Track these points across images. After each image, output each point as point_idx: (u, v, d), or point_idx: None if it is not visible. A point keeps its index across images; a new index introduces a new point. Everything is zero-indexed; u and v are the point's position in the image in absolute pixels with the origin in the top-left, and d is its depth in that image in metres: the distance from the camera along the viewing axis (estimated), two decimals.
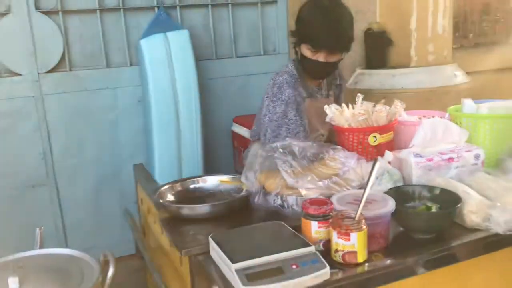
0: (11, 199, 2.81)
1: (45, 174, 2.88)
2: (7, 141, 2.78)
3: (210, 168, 3.17)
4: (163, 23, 3.01)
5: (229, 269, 0.99)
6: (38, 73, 2.79)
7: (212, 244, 1.11)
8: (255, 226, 1.19)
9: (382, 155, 1.47)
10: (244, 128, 3.18)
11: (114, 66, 3.10)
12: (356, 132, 1.48)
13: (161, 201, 1.40)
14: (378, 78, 2.82)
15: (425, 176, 1.37)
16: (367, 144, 1.48)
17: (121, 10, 3.03)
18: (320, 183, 1.30)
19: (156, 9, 3.09)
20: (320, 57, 1.87)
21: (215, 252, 1.09)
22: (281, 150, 1.39)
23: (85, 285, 1.14)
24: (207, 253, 1.17)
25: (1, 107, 2.74)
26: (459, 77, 2.85)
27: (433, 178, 1.34)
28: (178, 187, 1.51)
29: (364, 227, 1.06)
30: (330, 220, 1.11)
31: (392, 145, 1.54)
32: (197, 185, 1.53)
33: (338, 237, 1.06)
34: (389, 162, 1.42)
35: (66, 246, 2.80)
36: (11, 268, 1.14)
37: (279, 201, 1.30)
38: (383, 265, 1.09)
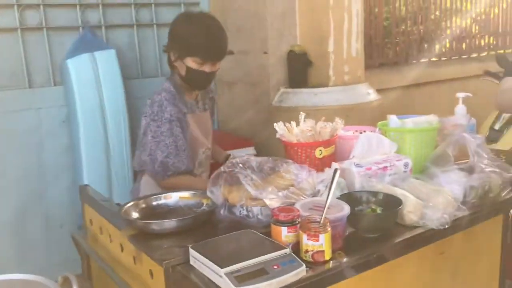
0: None
1: None
2: None
3: None
4: (89, 42, 3.01)
5: (218, 274, 1.09)
6: None
7: (194, 254, 1.20)
8: (230, 235, 1.30)
9: (326, 166, 1.66)
10: None
11: (37, 86, 3.03)
12: (305, 146, 1.65)
13: (128, 218, 1.45)
14: (301, 96, 3.05)
15: (366, 183, 1.57)
16: (314, 157, 1.65)
17: (44, 29, 2.98)
18: (280, 193, 1.44)
19: (80, 28, 3.07)
20: (206, 67, 2.03)
21: (198, 260, 1.18)
22: (241, 165, 1.51)
23: None
24: (184, 263, 1.25)
25: None
26: (372, 95, 3.17)
27: (374, 184, 1.54)
28: (142, 204, 1.56)
29: (329, 229, 1.22)
30: (299, 225, 1.25)
31: (334, 157, 1.73)
32: (159, 202, 1.59)
33: (308, 239, 1.20)
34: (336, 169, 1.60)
35: None
36: None
37: (244, 212, 1.42)
38: (346, 261, 1.25)
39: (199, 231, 1.43)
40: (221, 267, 1.09)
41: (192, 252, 1.21)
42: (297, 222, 1.26)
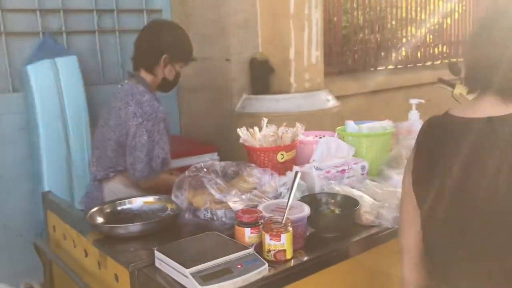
0: None
1: None
2: None
3: None
4: (49, 49, 2.98)
5: (183, 274, 1.13)
6: None
7: (159, 256, 1.23)
8: (195, 237, 1.34)
9: (288, 170, 1.72)
10: None
11: None
12: (267, 151, 1.71)
13: (94, 223, 1.46)
14: (264, 102, 3.11)
15: (326, 185, 1.63)
16: (276, 161, 1.71)
17: (3, 35, 2.93)
18: (244, 196, 1.49)
19: (41, 34, 3.04)
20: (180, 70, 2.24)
21: (164, 262, 1.21)
22: (205, 170, 1.56)
23: None
24: (149, 266, 1.28)
25: None
26: (331, 101, 3.27)
27: (333, 187, 1.61)
28: (106, 209, 1.57)
29: (290, 229, 1.27)
30: (261, 226, 1.30)
31: (295, 161, 1.80)
32: (124, 207, 1.61)
33: (270, 239, 1.25)
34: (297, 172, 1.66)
35: None
36: None
37: (209, 215, 1.46)
38: (306, 259, 1.31)
39: (164, 235, 1.45)
40: (186, 267, 1.13)
41: (157, 254, 1.24)
42: (260, 223, 1.31)
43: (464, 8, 5.59)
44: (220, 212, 1.45)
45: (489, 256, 1.03)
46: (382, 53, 4.75)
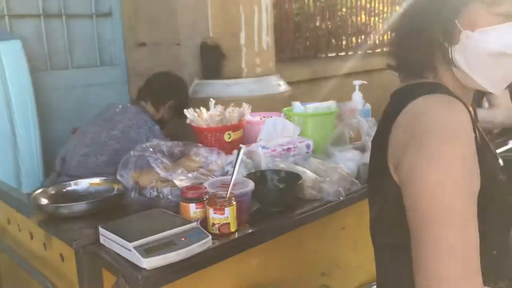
0: None
1: None
2: None
3: None
4: None
5: (127, 248, 1.14)
6: None
7: (104, 232, 1.24)
8: (139, 214, 1.35)
9: (235, 149, 1.74)
10: None
11: None
12: (214, 131, 1.73)
13: (38, 203, 1.45)
14: (215, 87, 3.12)
15: (271, 163, 1.68)
16: (223, 141, 1.74)
17: None
18: (190, 174, 1.51)
19: None
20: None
21: (108, 238, 1.22)
22: (151, 150, 1.57)
23: None
24: (94, 243, 1.29)
25: None
26: (282, 86, 3.31)
27: (278, 164, 1.66)
28: (51, 191, 1.56)
29: (234, 203, 1.31)
30: (206, 201, 1.32)
31: (243, 141, 1.83)
32: (69, 188, 1.60)
33: (214, 213, 1.28)
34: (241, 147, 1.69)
35: None
36: None
37: (155, 193, 1.47)
38: (249, 232, 1.35)
39: (109, 214, 1.45)
40: (130, 241, 1.14)
41: (101, 230, 1.25)
42: (204, 198, 1.34)
43: None
44: (166, 190, 1.46)
45: None
46: (333, 40, 4.84)
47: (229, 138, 1.75)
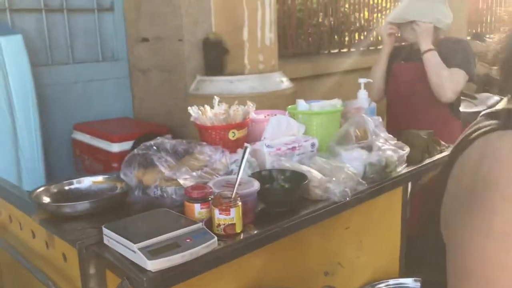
0: None
1: None
2: None
3: (51, 178, 3.09)
4: None
5: (131, 249, 1.12)
6: None
7: (107, 232, 1.22)
8: (144, 214, 1.33)
9: (239, 148, 1.73)
10: (88, 135, 3.18)
11: None
12: (218, 129, 1.71)
13: (40, 202, 1.43)
14: (218, 84, 3.10)
15: (276, 162, 1.66)
16: (228, 139, 1.72)
17: None
18: (194, 173, 1.49)
19: None
20: None
21: (112, 239, 1.20)
22: (155, 148, 1.54)
23: None
24: (98, 243, 1.27)
25: None
26: (285, 83, 3.29)
27: (283, 163, 1.63)
28: (53, 189, 1.54)
29: (239, 203, 1.29)
30: (211, 201, 1.30)
31: (247, 139, 1.80)
32: (72, 187, 1.58)
33: (220, 213, 1.26)
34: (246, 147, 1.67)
35: None
36: None
37: (159, 192, 1.45)
38: (255, 233, 1.33)
39: (113, 213, 1.43)
40: (134, 242, 1.12)
41: (105, 231, 1.23)
42: (209, 198, 1.32)
43: None
44: (170, 189, 1.44)
45: None
46: (336, 36, 4.81)
47: (233, 137, 1.73)
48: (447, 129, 2.45)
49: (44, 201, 1.47)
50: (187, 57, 3.14)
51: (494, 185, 0.66)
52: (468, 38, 5.75)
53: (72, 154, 3.36)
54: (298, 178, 1.52)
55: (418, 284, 1.90)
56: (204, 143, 1.66)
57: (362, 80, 2.18)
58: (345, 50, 4.87)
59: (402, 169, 1.82)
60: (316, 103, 1.94)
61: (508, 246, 0.64)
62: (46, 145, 3.03)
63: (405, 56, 2.61)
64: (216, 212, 1.27)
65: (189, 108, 1.76)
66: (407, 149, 1.82)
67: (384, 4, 5.43)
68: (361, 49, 5.02)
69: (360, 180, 1.60)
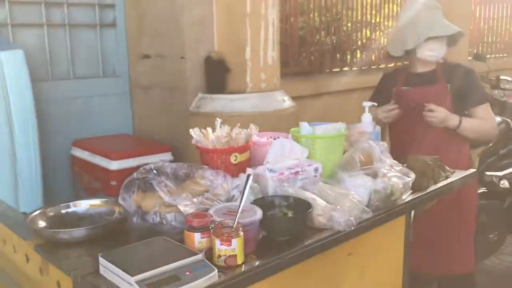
0: None
1: None
2: None
3: (49, 195, 3.03)
4: None
5: (129, 282, 1.08)
6: None
7: (104, 263, 1.17)
8: (142, 243, 1.29)
9: (241, 172, 1.69)
10: (86, 152, 3.14)
11: None
12: (220, 152, 1.67)
13: (35, 227, 1.39)
14: (219, 102, 3.07)
15: (279, 187, 1.62)
16: (229, 163, 1.68)
17: None
18: (195, 199, 1.45)
19: None
20: None
21: (108, 269, 1.16)
22: (155, 172, 1.50)
23: None
24: (94, 273, 1.22)
25: None
26: (287, 102, 3.26)
27: (286, 189, 1.59)
28: (49, 212, 1.50)
29: (241, 233, 1.25)
30: (212, 230, 1.26)
31: (249, 163, 1.77)
32: (68, 210, 1.54)
33: (221, 244, 1.22)
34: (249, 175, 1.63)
35: None
36: None
37: (158, 219, 1.41)
38: (257, 264, 1.28)
39: (110, 240, 1.39)
40: (132, 275, 1.08)
41: (101, 260, 1.18)
42: (210, 227, 1.28)
43: None
44: (169, 216, 1.40)
45: None
46: (338, 55, 4.80)
47: (235, 160, 1.69)
48: (455, 153, 2.43)
49: (40, 226, 1.43)
50: (189, 75, 3.11)
51: None
52: (469, 58, 5.75)
53: (70, 171, 3.32)
54: (302, 205, 1.48)
55: None
56: (206, 166, 1.62)
57: (366, 104, 2.15)
58: (346, 68, 4.86)
59: (407, 196, 1.78)
60: (320, 126, 1.90)
61: None
62: (44, 161, 2.98)
63: (405, 81, 2.56)
64: (217, 242, 1.22)
65: (190, 130, 1.73)
66: (412, 176, 1.78)
67: (386, 23, 5.44)
68: (363, 68, 5.00)
69: (365, 208, 1.56)
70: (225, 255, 1.22)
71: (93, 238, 1.38)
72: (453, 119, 2.38)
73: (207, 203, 1.46)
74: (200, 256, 1.19)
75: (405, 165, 1.91)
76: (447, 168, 2.03)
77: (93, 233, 1.38)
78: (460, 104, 2.45)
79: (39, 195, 2.90)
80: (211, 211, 1.37)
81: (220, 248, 1.22)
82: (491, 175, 3.30)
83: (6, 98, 2.75)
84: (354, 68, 4.90)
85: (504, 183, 3.28)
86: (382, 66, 5.32)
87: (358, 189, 1.62)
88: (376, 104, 2.34)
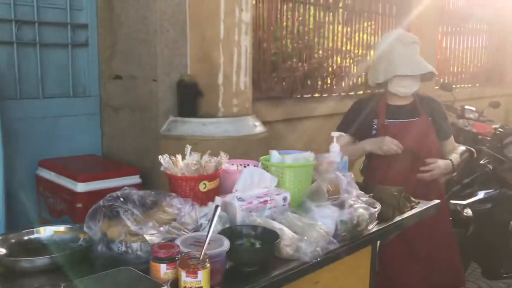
0: None
1: None
2: None
3: (13, 216, 2.95)
4: None
5: None
6: None
7: None
8: (106, 274, 1.26)
9: (210, 200, 1.69)
10: (52, 173, 3.07)
11: None
12: (189, 180, 1.67)
13: None
14: (190, 126, 3.07)
15: (247, 217, 1.62)
16: (198, 191, 1.68)
17: None
18: (161, 228, 1.43)
19: None
20: None
21: None
22: (121, 199, 1.49)
23: None
24: None
25: None
26: (258, 127, 3.29)
27: (254, 218, 1.60)
28: (11, 239, 1.45)
29: (208, 265, 1.24)
30: (178, 262, 1.25)
31: (218, 191, 1.77)
32: (32, 236, 1.50)
33: (187, 276, 1.21)
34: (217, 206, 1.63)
35: None
36: None
37: (123, 248, 1.39)
38: None
39: (74, 269, 1.36)
40: None
41: None
42: (176, 258, 1.27)
43: None
44: (135, 245, 1.38)
45: None
46: (309, 81, 4.87)
47: (204, 188, 1.69)
48: (427, 182, 2.48)
49: (0, 253, 1.38)
50: (161, 97, 3.11)
51: None
52: (436, 87, 5.93)
53: (35, 192, 3.24)
54: (270, 236, 1.49)
55: None
56: (174, 194, 1.61)
57: (335, 134, 2.19)
58: (317, 95, 4.93)
59: (373, 226, 1.81)
60: (289, 154, 1.92)
61: None
62: (8, 181, 2.91)
63: (386, 113, 2.56)
64: (183, 274, 1.21)
65: (160, 157, 1.72)
66: (378, 207, 1.81)
67: (356, 51, 5.57)
68: (333, 94, 5.09)
69: (332, 239, 1.58)
70: (190, 287, 1.21)
71: (56, 267, 1.35)
72: (447, 165, 2.48)
73: (174, 232, 1.45)
74: None
75: (372, 194, 1.95)
76: (412, 198, 2.07)
77: (56, 262, 1.35)
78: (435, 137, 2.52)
79: (2, 217, 2.82)
80: (178, 241, 1.36)
81: (186, 280, 1.21)
82: (455, 204, 3.38)
83: None
84: (324, 95, 4.98)
85: (468, 212, 3.36)
86: (352, 93, 5.43)
87: (325, 220, 1.64)
88: (344, 134, 2.38)
